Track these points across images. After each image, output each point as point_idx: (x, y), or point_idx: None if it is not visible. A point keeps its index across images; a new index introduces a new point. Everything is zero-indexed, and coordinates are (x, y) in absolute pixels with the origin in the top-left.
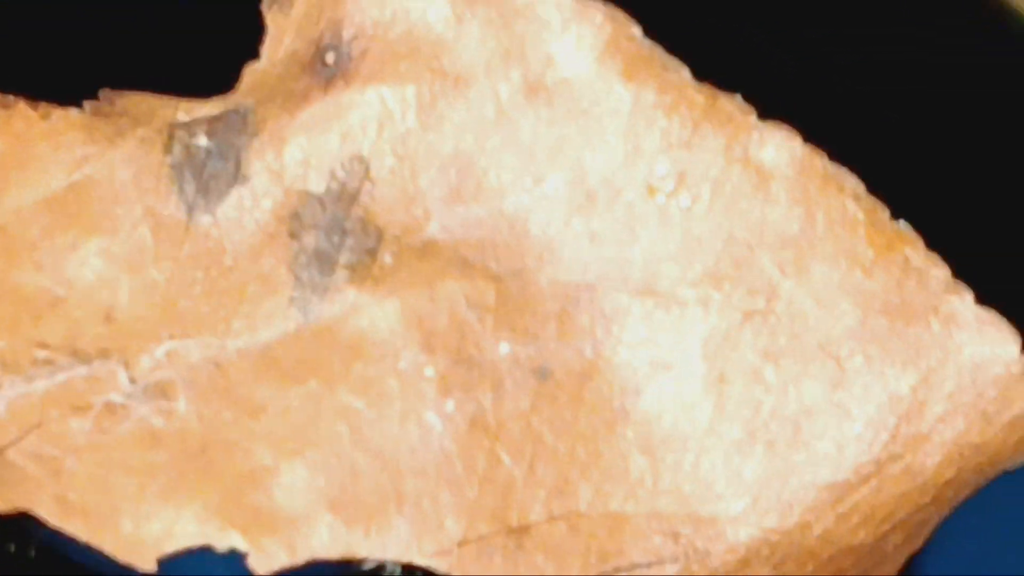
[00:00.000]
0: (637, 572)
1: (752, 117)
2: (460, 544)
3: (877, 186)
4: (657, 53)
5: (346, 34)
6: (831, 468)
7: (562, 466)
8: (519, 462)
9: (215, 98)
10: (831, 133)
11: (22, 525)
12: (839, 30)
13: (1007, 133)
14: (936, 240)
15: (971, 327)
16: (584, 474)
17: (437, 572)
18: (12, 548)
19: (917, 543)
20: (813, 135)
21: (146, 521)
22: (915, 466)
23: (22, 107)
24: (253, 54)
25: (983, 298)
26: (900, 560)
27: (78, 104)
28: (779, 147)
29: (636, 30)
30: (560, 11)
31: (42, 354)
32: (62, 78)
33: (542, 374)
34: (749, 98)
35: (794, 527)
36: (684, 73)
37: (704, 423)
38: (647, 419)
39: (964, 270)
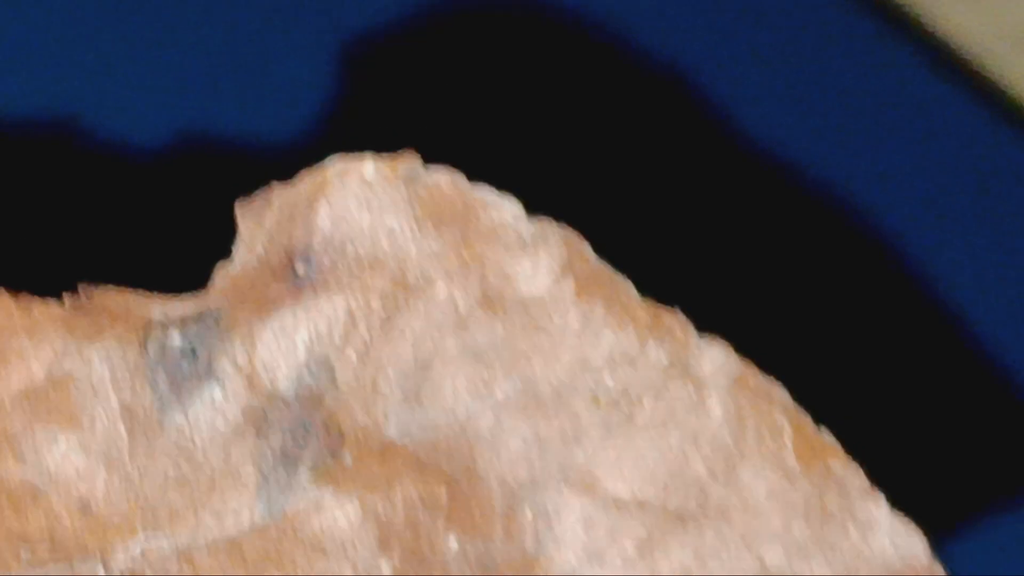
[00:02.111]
0: None
1: (692, 333)
2: None
3: (800, 390)
4: (607, 272)
5: (316, 246)
6: None
7: None
8: None
9: (189, 296)
10: (760, 338)
11: None
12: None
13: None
14: (855, 438)
15: (884, 531)
16: None
17: None
18: None
19: None
20: (743, 343)
21: None
22: None
23: (4, 298)
24: (225, 250)
25: (897, 495)
26: None
27: (57, 296)
28: (715, 361)
29: (589, 251)
30: (519, 233)
31: (26, 553)
32: (39, 268)
33: (488, 569)
34: (687, 310)
35: None
36: (630, 290)
37: None
38: None
39: (881, 466)
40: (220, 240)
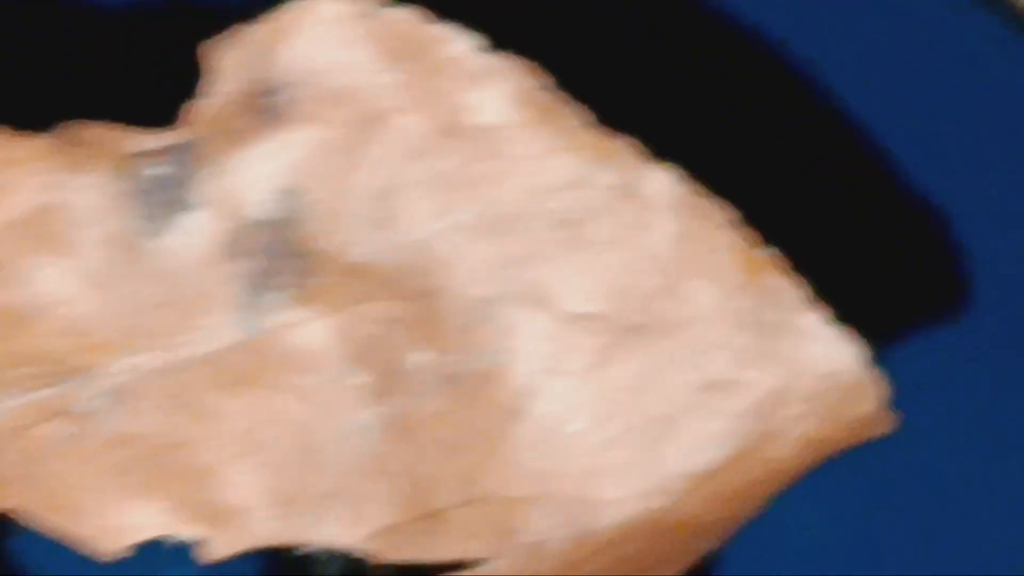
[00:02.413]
0: (536, 540)
1: (640, 156)
2: (384, 529)
3: (753, 209)
4: (561, 101)
5: (282, 80)
6: (697, 459)
7: (469, 459)
8: (433, 457)
9: (165, 130)
10: (712, 161)
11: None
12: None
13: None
14: (801, 256)
15: (823, 341)
16: (487, 465)
17: (364, 554)
18: None
19: (760, 512)
20: (693, 164)
21: (116, 514)
22: (769, 457)
23: None
24: (194, 88)
25: (839, 308)
26: (743, 524)
27: (45, 129)
28: (662, 183)
29: (544, 81)
30: (477, 63)
31: (20, 371)
32: (25, 108)
33: (452, 380)
34: (639, 135)
35: (665, 508)
36: (584, 117)
37: (589, 420)
38: (541, 417)
39: (825, 282)
40: (190, 84)
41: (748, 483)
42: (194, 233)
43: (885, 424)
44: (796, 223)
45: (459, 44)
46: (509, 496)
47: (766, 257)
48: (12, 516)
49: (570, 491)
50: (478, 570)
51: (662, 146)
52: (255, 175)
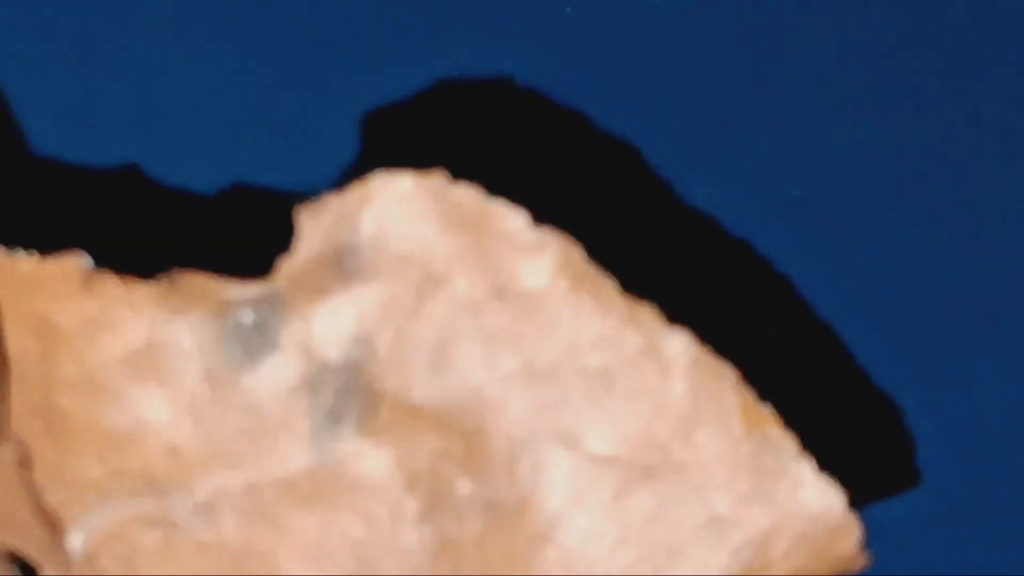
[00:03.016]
0: None
1: (661, 322)
2: None
3: (750, 370)
4: (594, 272)
5: (359, 243)
6: None
7: None
8: (473, 573)
9: (258, 281)
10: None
11: None
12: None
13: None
14: (791, 412)
15: (811, 487)
16: None
17: None
18: None
19: None
20: (700, 326)
21: None
22: None
23: (112, 279)
24: (286, 243)
25: (822, 459)
26: None
27: (154, 277)
28: (678, 346)
29: (580, 253)
30: (524, 237)
31: (124, 485)
32: (141, 258)
33: (492, 507)
34: (659, 302)
35: None
36: (613, 287)
37: (608, 548)
38: (566, 543)
39: (810, 436)
40: (284, 239)
41: None
42: (277, 371)
43: (861, 562)
44: (789, 386)
45: (512, 219)
46: None
47: (763, 412)
48: None
49: None
50: None
51: (674, 312)
52: (332, 324)
